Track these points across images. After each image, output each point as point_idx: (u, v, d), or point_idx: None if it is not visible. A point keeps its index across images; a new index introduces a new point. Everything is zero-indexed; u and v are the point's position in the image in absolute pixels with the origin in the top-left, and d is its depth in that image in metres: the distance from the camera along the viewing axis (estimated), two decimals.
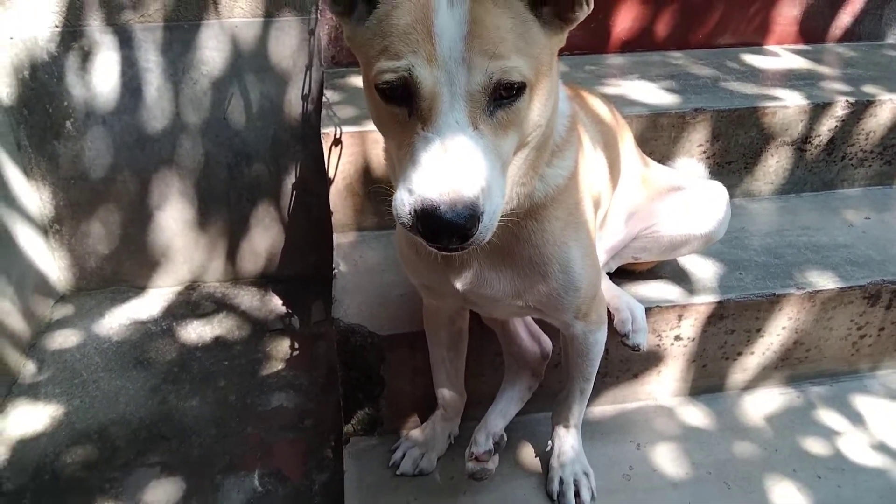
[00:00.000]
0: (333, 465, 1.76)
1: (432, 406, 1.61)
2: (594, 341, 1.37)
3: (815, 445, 1.65)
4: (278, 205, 2.36)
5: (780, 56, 2.34)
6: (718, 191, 1.61)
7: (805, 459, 1.61)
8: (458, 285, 1.20)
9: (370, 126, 1.82)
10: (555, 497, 1.52)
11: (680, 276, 1.72)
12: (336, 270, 1.76)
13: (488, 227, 0.87)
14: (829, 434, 1.68)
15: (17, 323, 2.08)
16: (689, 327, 1.68)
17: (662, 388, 1.76)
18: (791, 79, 2.13)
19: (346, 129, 1.81)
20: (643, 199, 1.60)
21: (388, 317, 1.62)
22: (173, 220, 2.33)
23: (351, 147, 1.82)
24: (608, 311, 1.50)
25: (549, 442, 1.58)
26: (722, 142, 1.96)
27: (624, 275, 1.72)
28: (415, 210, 0.84)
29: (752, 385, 1.80)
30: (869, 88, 2.04)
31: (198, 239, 2.37)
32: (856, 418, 1.72)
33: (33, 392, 1.98)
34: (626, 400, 1.76)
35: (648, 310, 1.62)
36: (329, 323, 2.26)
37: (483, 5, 0.88)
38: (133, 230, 2.32)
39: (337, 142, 1.81)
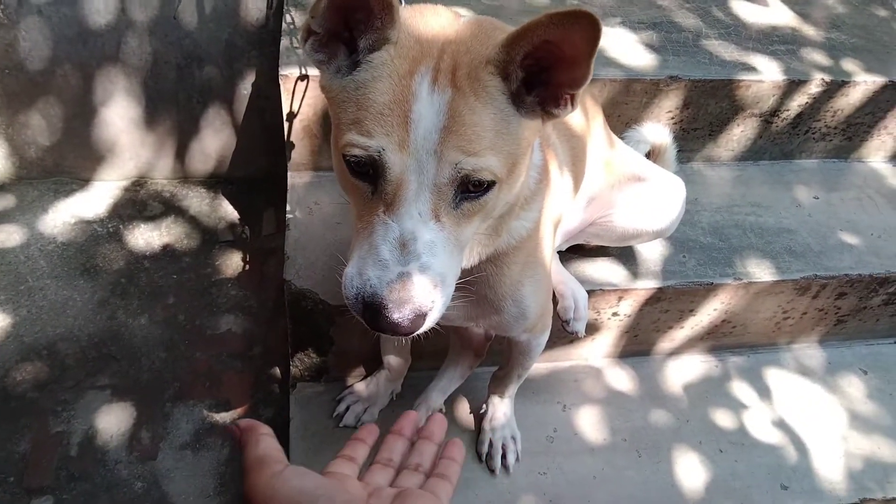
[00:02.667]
0: (279, 400, 1.86)
1: (377, 359, 1.69)
2: (537, 344, 1.44)
3: (722, 418, 1.82)
4: (231, 108, 2.25)
5: (769, 6, 2.23)
6: (678, 189, 1.62)
7: (711, 432, 1.78)
8: None
9: None
10: (483, 458, 1.66)
11: (626, 257, 1.77)
12: (290, 217, 1.75)
13: (436, 318, 0.88)
14: (737, 407, 1.85)
15: None
16: (628, 307, 1.76)
17: (594, 351, 1.88)
18: (773, 41, 2.05)
19: (311, 70, 1.70)
20: (604, 186, 1.60)
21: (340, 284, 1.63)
22: (118, 116, 2.21)
23: (311, 90, 1.72)
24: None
25: (484, 405, 1.69)
26: (692, 110, 1.93)
27: (573, 249, 1.76)
28: (362, 297, 0.85)
29: (676, 352, 1.93)
30: (848, 64, 2.00)
31: (144, 137, 2.27)
32: (764, 392, 1.89)
33: None
34: (558, 359, 1.87)
35: (591, 292, 1.68)
36: (279, 238, 2.26)
37: (465, 99, 0.83)
38: (76, 124, 2.20)
39: (303, 77, 1.71)
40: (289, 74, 1.70)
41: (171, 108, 2.22)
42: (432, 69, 0.84)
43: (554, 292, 1.63)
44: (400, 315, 0.83)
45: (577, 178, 1.41)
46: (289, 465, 0.70)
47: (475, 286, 1.17)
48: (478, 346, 1.61)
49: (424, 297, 0.84)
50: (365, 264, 0.85)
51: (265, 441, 0.73)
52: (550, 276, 1.33)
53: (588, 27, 0.76)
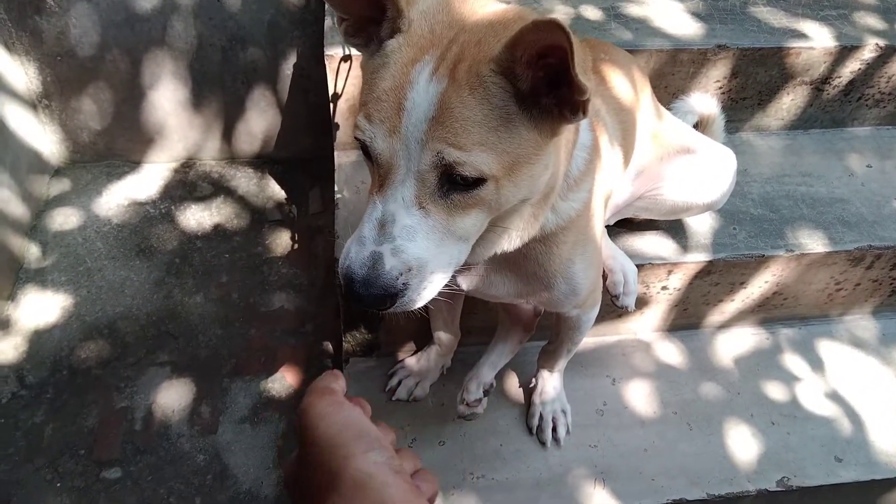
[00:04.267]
0: None
1: (428, 334, 1.72)
2: (587, 319, 1.45)
3: (774, 390, 1.81)
4: (275, 88, 2.28)
5: None
6: (728, 160, 1.60)
7: (763, 404, 1.78)
8: (464, 285, 1.25)
9: None
10: (534, 431, 1.69)
11: (675, 230, 1.76)
12: (338, 197, 1.77)
13: (414, 298, 0.91)
14: (789, 379, 1.83)
15: (17, 207, 2.09)
16: (677, 280, 1.75)
17: (643, 325, 1.88)
18: (824, 6, 2.00)
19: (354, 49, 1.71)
20: (653, 159, 1.58)
21: None
22: (166, 99, 2.25)
23: (354, 70, 1.74)
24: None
25: (533, 379, 1.71)
26: (740, 79, 1.89)
27: (622, 223, 1.76)
28: (342, 271, 0.89)
29: (726, 325, 1.92)
30: None
31: (192, 119, 2.31)
32: (816, 364, 1.87)
33: (40, 279, 2.05)
34: (606, 333, 1.88)
35: (640, 266, 1.68)
36: (326, 216, 2.30)
37: (458, 92, 0.84)
38: (126, 108, 2.25)
39: (346, 58, 1.72)
40: (333, 54, 1.72)
41: (217, 90, 2.25)
42: (437, 58, 0.85)
43: (604, 268, 1.64)
44: (366, 291, 0.87)
45: (628, 152, 1.40)
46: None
47: (524, 264, 1.18)
48: (527, 322, 1.62)
49: (391, 280, 0.87)
50: (352, 239, 0.90)
51: (339, 381, 0.75)
52: (601, 252, 1.33)
53: (554, 37, 0.75)
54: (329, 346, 1.98)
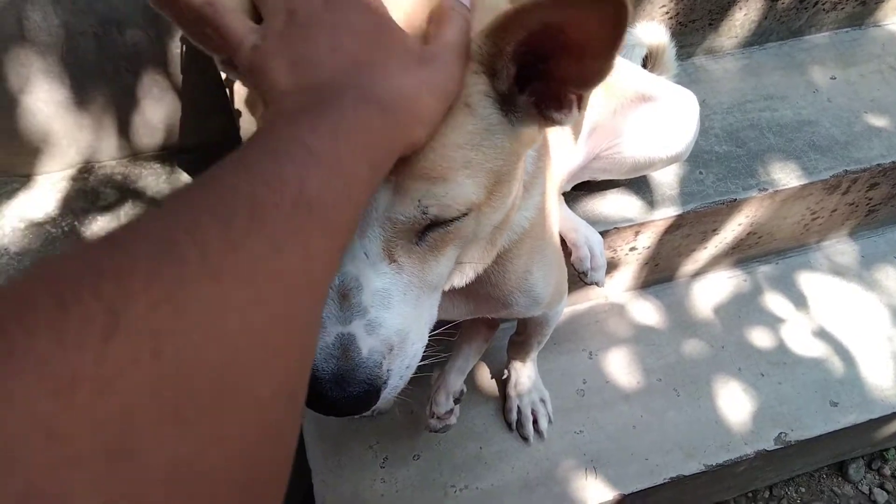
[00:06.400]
0: None
1: None
2: (554, 314, 1.28)
3: (759, 337, 1.70)
4: (166, 72, 1.98)
5: None
6: (690, 105, 1.42)
7: (750, 355, 1.66)
8: None
9: None
10: (514, 427, 1.54)
11: (639, 185, 1.58)
12: None
13: (395, 388, 0.68)
14: (772, 322, 1.72)
15: None
16: (646, 239, 1.59)
17: (614, 287, 1.73)
18: None
19: None
20: (606, 113, 1.39)
21: None
22: (43, 102, 1.94)
23: None
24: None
25: (506, 371, 1.56)
26: (687, 0, 1.69)
27: (580, 186, 1.57)
28: None
29: (701, 272, 1.78)
30: None
31: (79, 119, 2.01)
32: (799, 300, 1.76)
33: None
34: (577, 302, 1.73)
35: (605, 233, 1.51)
36: None
37: None
38: None
39: None
40: None
41: (100, 83, 1.95)
42: None
43: (566, 242, 1.46)
44: (342, 393, 0.63)
45: (578, 122, 1.21)
46: None
47: (475, 287, 0.98)
48: (490, 320, 1.46)
49: (373, 368, 0.63)
50: None
51: None
52: (560, 248, 1.15)
53: (612, 5, 0.51)
54: None
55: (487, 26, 0.59)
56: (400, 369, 0.67)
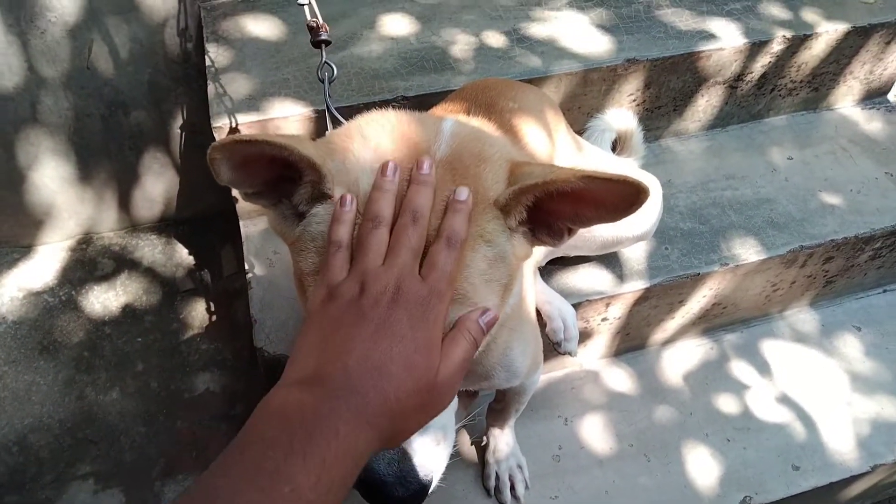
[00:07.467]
0: None
1: None
2: (531, 383, 1.37)
3: (726, 403, 1.78)
4: (167, 149, 2.10)
5: None
6: (654, 189, 1.54)
7: (716, 420, 1.75)
8: None
9: (272, 112, 1.59)
10: (492, 493, 1.61)
11: (608, 260, 1.69)
12: (250, 276, 1.63)
13: (439, 477, 0.80)
14: (738, 389, 1.81)
15: None
16: (617, 310, 1.69)
17: (588, 355, 1.82)
18: (728, 0, 1.94)
19: (241, 118, 1.57)
20: None
21: None
22: (48, 178, 2.05)
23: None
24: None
25: (484, 437, 1.63)
26: (653, 89, 1.83)
27: (554, 261, 1.68)
28: (362, 476, 0.76)
29: (670, 341, 1.88)
30: (807, 14, 1.90)
31: (81, 194, 2.11)
32: (763, 367, 1.85)
33: None
34: (553, 369, 1.81)
35: (577, 305, 1.61)
36: (242, 277, 2.15)
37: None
38: (4, 194, 2.04)
39: (235, 130, 1.58)
40: (221, 125, 1.57)
41: (104, 160, 2.07)
42: None
43: (541, 314, 1.56)
44: (407, 493, 0.73)
45: None
46: None
47: None
48: (463, 398, 1.54)
49: (429, 464, 0.74)
50: None
51: None
52: (536, 322, 1.25)
53: (633, 186, 0.65)
54: None
55: (520, 186, 0.71)
56: (446, 459, 0.78)
